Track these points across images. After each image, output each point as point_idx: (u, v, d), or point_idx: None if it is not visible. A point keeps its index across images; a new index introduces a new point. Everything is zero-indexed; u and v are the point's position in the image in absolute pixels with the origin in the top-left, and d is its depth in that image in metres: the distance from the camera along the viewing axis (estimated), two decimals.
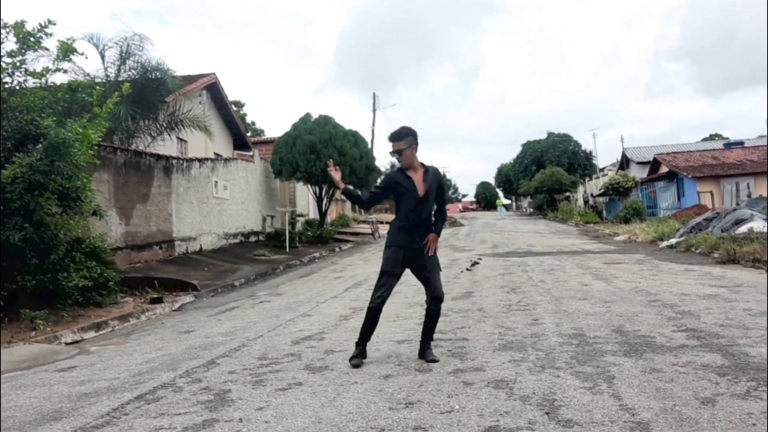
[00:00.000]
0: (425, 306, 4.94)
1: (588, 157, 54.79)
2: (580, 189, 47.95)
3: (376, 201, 5.37)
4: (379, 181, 38.68)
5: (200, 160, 17.66)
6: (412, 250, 4.77)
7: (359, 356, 4.84)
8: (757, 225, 14.89)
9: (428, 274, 4.80)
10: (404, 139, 4.81)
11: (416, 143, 4.87)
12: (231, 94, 30.59)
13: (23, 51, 8.56)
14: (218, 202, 18.50)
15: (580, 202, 45.54)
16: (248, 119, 52.49)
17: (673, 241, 16.25)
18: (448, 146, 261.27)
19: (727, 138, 50.45)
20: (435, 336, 5.62)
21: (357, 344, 4.90)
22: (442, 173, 5.07)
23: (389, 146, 4.82)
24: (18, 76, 8.64)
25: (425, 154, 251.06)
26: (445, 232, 28.60)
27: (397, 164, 4.98)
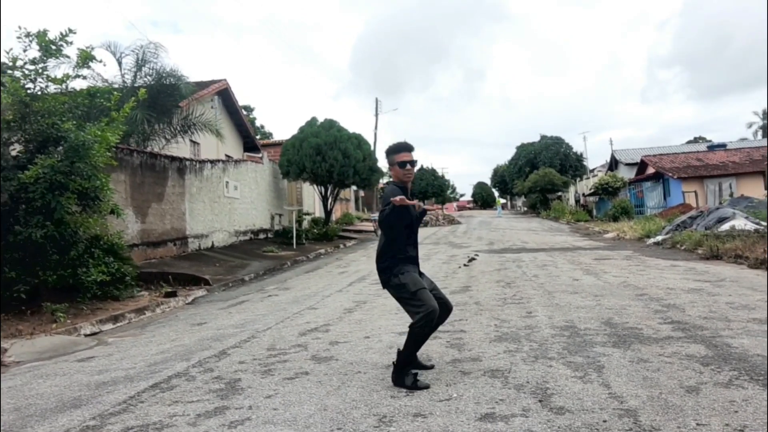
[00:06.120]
0: None
1: (579, 158, 54.67)
2: (572, 189, 47.86)
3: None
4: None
5: (212, 162, 17.66)
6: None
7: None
8: (739, 223, 14.86)
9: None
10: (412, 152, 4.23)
11: None
12: (241, 99, 30.60)
13: (45, 58, 8.57)
14: (229, 201, 18.50)
15: (572, 202, 45.47)
16: (257, 123, 52.52)
17: (659, 238, 16.21)
18: (449, 148, 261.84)
19: (710, 141, 50.32)
20: None
21: None
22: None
23: (403, 156, 4.05)
24: (40, 82, 8.64)
25: (425, 156, 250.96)
26: (444, 230, 28.56)
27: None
